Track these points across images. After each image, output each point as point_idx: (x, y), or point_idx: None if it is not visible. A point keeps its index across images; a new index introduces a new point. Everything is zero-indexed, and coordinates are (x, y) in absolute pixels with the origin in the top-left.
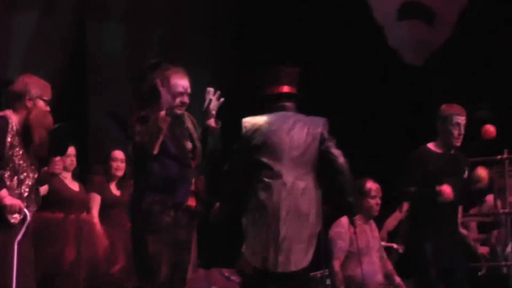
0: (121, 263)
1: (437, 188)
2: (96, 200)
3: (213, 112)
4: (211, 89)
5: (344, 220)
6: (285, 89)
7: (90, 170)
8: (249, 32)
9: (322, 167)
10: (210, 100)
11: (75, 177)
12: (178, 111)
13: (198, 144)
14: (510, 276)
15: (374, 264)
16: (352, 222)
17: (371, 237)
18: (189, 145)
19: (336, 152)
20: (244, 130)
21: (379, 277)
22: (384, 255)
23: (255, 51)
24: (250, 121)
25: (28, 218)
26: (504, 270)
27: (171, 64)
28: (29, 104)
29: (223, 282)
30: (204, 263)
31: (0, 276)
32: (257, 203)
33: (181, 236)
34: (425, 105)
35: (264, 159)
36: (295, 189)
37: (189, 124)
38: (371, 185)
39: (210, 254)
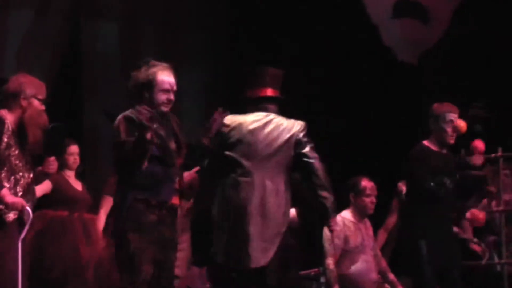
0: None
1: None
2: (108, 202)
3: (213, 131)
4: (220, 109)
5: (338, 217)
6: (269, 92)
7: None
8: (244, 31)
9: (299, 170)
10: (215, 119)
11: (78, 176)
12: (164, 109)
13: (183, 144)
14: (504, 274)
15: (368, 262)
16: (327, 225)
17: (366, 236)
18: (173, 145)
19: (312, 155)
20: (223, 127)
21: (373, 275)
22: (379, 252)
23: (249, 50)
24: (231, 118)
25: (31, 216)
26: (498, 268)
27: (158, 61)
28: (24, 103)
29: None
30: (198, 261)
31: (5, 275)
32: (224, 199)
33: (166, 234)
34: (419, 103)
35: (237, 156)
36: (264, 188)
37: (173, 123)
38: (366, 183)
39: (204, 253)
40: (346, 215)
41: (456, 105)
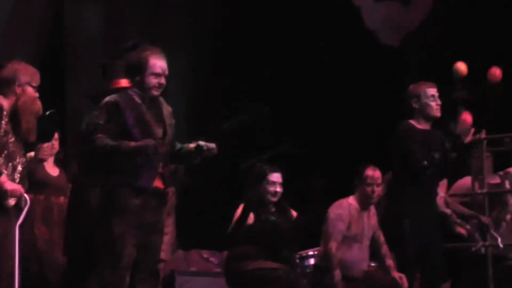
0: None
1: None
2: None
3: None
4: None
5: (345, 202)
6: (123, 83)
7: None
8: (230, 14)
9: None
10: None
11: (58, 162)
12: (155, 93)
13: (169, 131)
14: (488, 256)
15: (362, 252)
16: None
17: (367, 225)
18: (159, 131)
19: None
20: None
21: (364, 265)
22: (382, 238)
23: (235, 32)
24: None
25: (28, 202)
26: (482, 250)
27: (148, 45)
28: (18, 90)
29: (202, 263)
30: (183, 245)
31: (4, 259)
32: None
33: (149, 218)
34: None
35: None
36: None
37: (164, 109)
38: (369, 172)
39: (189, 236)
40: (352, 201)
41: (439, 88)
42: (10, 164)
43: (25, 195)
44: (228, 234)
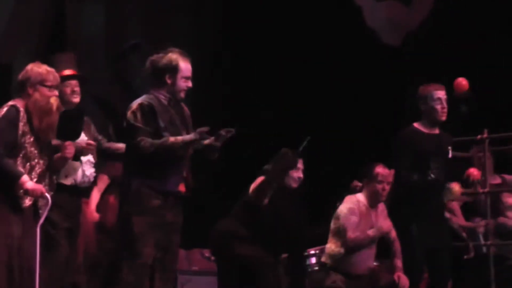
0: None
1: (466, 172)
2: (102, 181)
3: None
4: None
5: (354, 198)
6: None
7: None
8: (232, 12)
9: None
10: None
11: None
12: (183, 96)
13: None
14: (490, 255)
15: (369, 249)
16: None
17: (375, 223)
18: (184, 135)
19: None
20: None
21: (370, 263)
22: (393, 234)
23: (237, 32)
24: None
25: (50, 202)
26: (484, 249)
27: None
28: (30, 91)
29: (204, 262)
30: (185, 244)
31: (24, 259)
32: None
33: (169, 218)
34: (403, 85)
35: None
36: None
37: (186, 112)
38: (379, 169)
39: (191, 235)
40: (360, 198)
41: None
42: (27, 164)
43: (47, 194)
44: (250, 199)
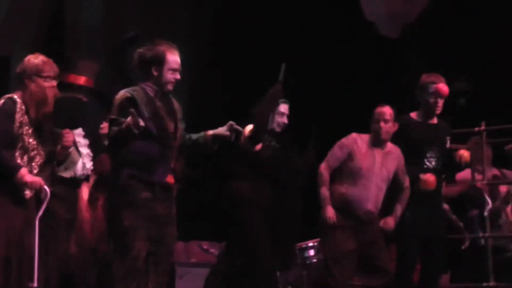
0: None
1: (422, 176)
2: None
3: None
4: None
5: (355, 135)
6: (81, 81)
7: None
8: (230, 8)
9: None
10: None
11: None
12: (170, 88)
13: (180, 125)
14: (488, 247)
15: (368, 191)
16: None
17: (379, 164)
18: (171, 126)
19: None
20: None
21: (369, 205)
22: (406, 183)
23: (236, 25)
24: None
25: (48, 194)
26: (482, 241)
27: (160, 39)
28: (27, 82)
29: (202, 254)
30: (183, 236)
31: (24, 251)
32: None
33: (159, 210)
34: (402, 77)
35: None
36: None
37: (174, 105)
38: (378, 108)
39: (189, 227)
40: (364, 136)
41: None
42: (26, 155)
43: (45, 187)
44: (241, 146)
